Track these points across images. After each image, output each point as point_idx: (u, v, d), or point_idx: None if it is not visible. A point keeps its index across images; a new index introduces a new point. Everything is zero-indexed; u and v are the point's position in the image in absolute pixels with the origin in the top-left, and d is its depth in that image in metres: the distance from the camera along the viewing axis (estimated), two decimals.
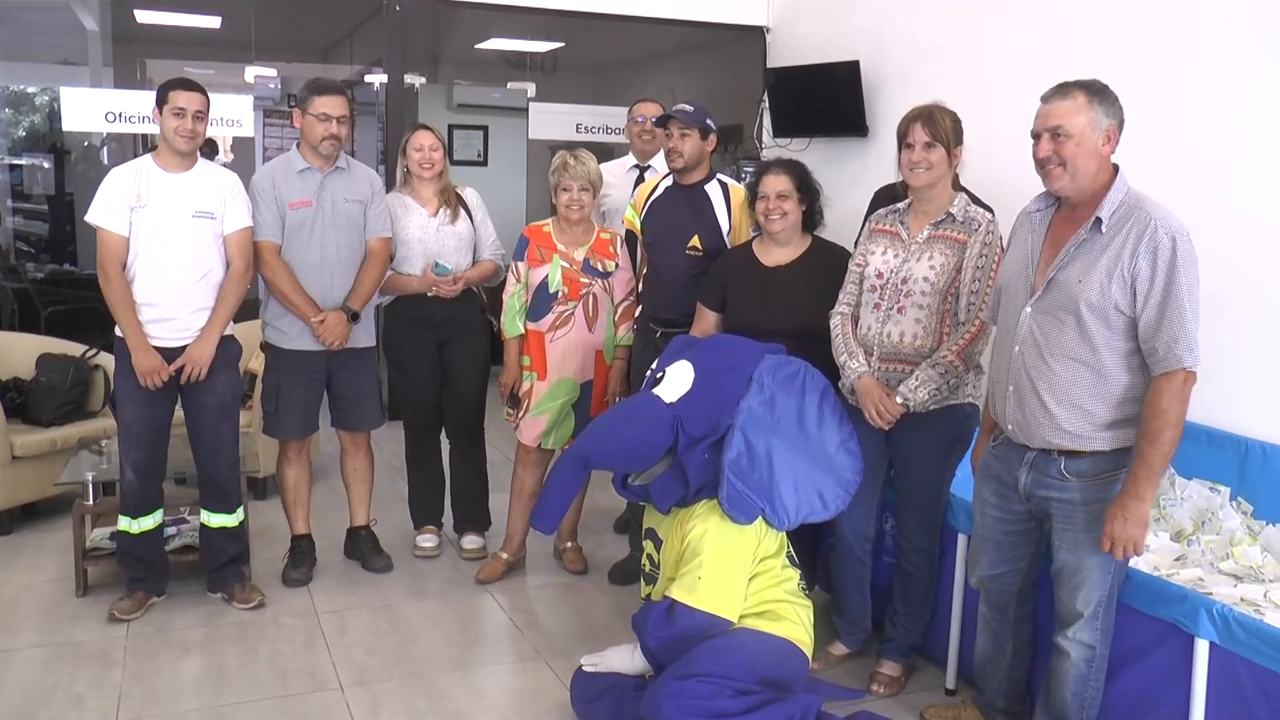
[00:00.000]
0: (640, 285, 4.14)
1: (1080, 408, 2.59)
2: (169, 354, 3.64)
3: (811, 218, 3.56)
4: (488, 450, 4.57)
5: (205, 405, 3.76)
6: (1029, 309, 2.66)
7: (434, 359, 4.32)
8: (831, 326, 3.35)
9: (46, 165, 9.20)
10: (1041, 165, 2.59)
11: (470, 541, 4.50)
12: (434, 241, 4.22)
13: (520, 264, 4.10)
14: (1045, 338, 2.62)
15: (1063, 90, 2.56)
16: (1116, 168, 2.59)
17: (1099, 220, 2.53)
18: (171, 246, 3.61)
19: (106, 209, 3.58)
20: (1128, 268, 2.47)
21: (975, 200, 3.31)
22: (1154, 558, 3.13)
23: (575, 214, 4.01)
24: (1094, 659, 2.74)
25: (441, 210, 4.25)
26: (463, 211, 4.30)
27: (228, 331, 3.77)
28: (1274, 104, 3.49)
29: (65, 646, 3.60)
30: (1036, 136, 2.59)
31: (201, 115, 3.62)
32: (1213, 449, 3.48)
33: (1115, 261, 2.49)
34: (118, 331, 3.66)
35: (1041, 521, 2.80)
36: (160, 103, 3.61)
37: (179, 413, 3.80)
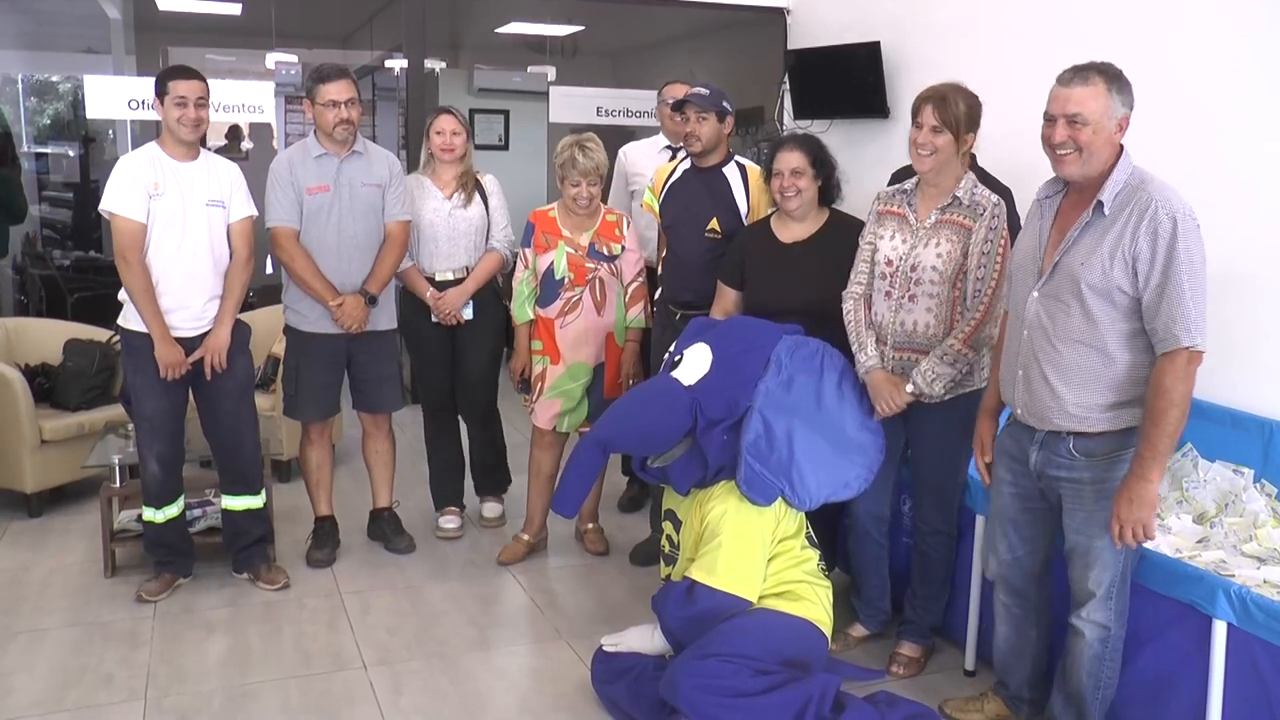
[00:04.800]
0: (659, 268, 4.15)
1: (1087, 390, 2.59)
2: (183, 343, 3.66)
3: (829, 192, 3.53)
4: (509, 432, 4.63)
5: (225, 390, 3.79)
6: (1036, 294, 2.67)
7: (446, 341, 4.36)
8: (844, 311, 3.33)
9: (72, 153, 9.28)
10: (1054, 149, 2.57)
11: (490, 510, 4.63)
12: (445, 225, 4.24)
13: (528, 250, 4.11)
14: (1052, 322, 2.62)
15: (1082, 75, 2.52)
16: (1121, 148, 2.57)
17: (1101, 203, 2.53)
18: (187, 236, 3.63)
19: (124, 196, 3.57)
20: (1129, 249, 2.47)
21: (989, 181, 3.27)
22: (1176, 540, 3.12)
23: (583, 207, 4.02)
24: (1109, 639, 2.74)
25: (456, 194, 4.27)
26: (477, 197, 4.31)
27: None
28: None
29: (94, 627, 3.66)
30: (1051, 120, 2.56)
31: (203, 102, 3.62)
32: (1237, 431, 3.44)
33: (1117, 243, 2.49)
34: (126, 323, 3.67)
35: (1053, 504, 2.80)
36: (160, 93, 3.61)
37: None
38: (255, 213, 3.81)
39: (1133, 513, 2.52)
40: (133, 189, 3.57)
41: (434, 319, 4.28)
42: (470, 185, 4.29)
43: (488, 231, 4.34)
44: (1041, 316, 2.65)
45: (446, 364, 4.40)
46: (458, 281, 4.28)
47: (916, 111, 3.09)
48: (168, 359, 3.61)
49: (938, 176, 3.14)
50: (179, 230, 3.62)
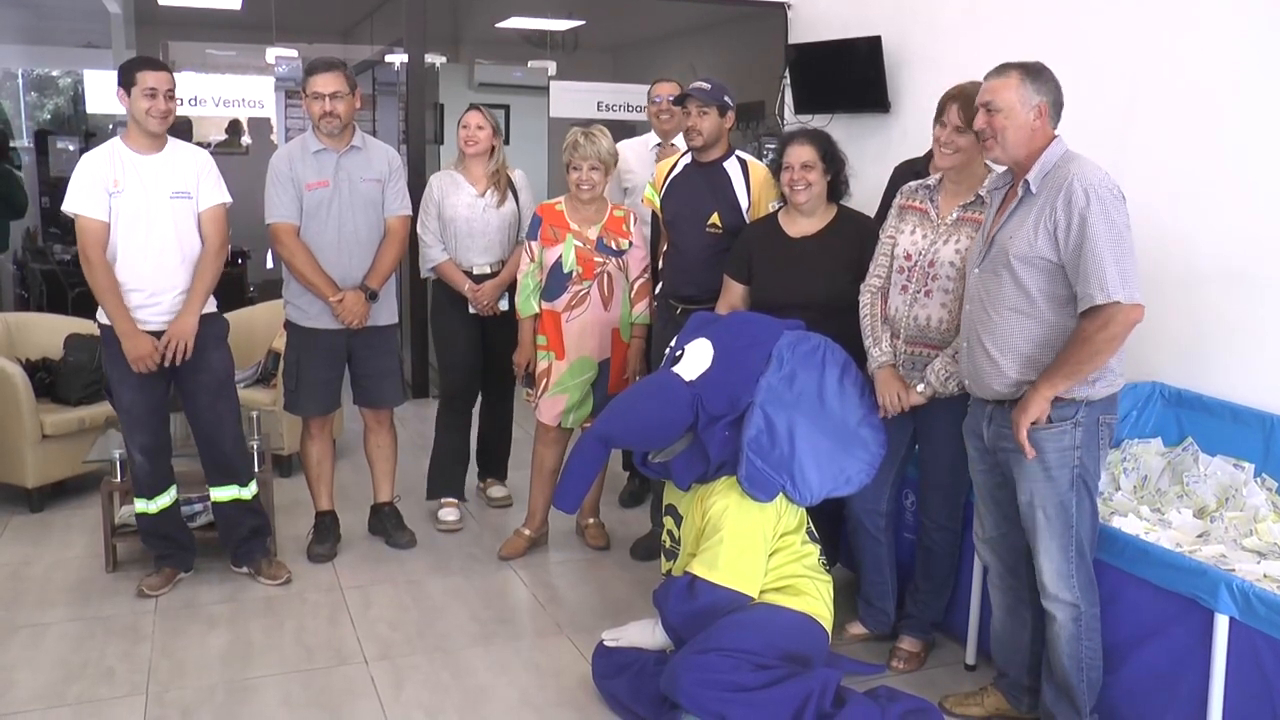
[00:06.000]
0: (661, 263, 4.15)
1: (1020, 354, 2.75)
2: (156, 337, 3.62)
3: (837, 188, 3.52)
4: (513, 429, 4.65)
5: (201, 384, 3.75)
6: (977, 269, 2.84)
7: (477, 331, 4.49)
8: (860, 304, 3.33)
9: (72, 148, 9.26)
10: (979, 136, 2.81)
11: (497, 490, 4.81)
12: (480, 222, 4.37)
13: (534, 243, 4.10)
14: (988, 293, 2.80)
15: (1001, 69, 2.75)
16: (1055, 136, 2.75)
17: (1027, 183, 2.73)
18: (153, 230, 3.59)
19: (84, 196, 3.53)
20: (1049, 220, 2.66)
21: None
22: (1176, 534, 3.12)
23: (586, 193, 4.01)
24: (1081, 617, 2.79)
25: (489, 191, 4.37)
26: (510, 195, 4.43)
27: (212, 309, 3.76)
28: None
29: (96, 621, 3.66)
30: (977, 110, 2.80)
31: (171, 94, 3.58)
32: (1237, 425, 3.45)
33: (1040, 216, 2.68)
34: (101, 318, 3.65)
35: (1009, 478, 2.87)
36: (127, 84, 3.54)
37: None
38: (228, 199, 3.75)
39: (1018, 415, 2.70)
40: (91, 188, 3.53)
41: (471, 310, 4.40)
42: (503, 184, 4.42)
43: (520, 225, 4.46)
44: (980, 289, 2.83)
45: (476, 353, 4.51)
46: (494, 274, 4.43)
47: (942, 109, 3.12)
48: (134, 352, 3.57)
49: (960, 174, 3.16)
50: (144, 225, 3.58)
